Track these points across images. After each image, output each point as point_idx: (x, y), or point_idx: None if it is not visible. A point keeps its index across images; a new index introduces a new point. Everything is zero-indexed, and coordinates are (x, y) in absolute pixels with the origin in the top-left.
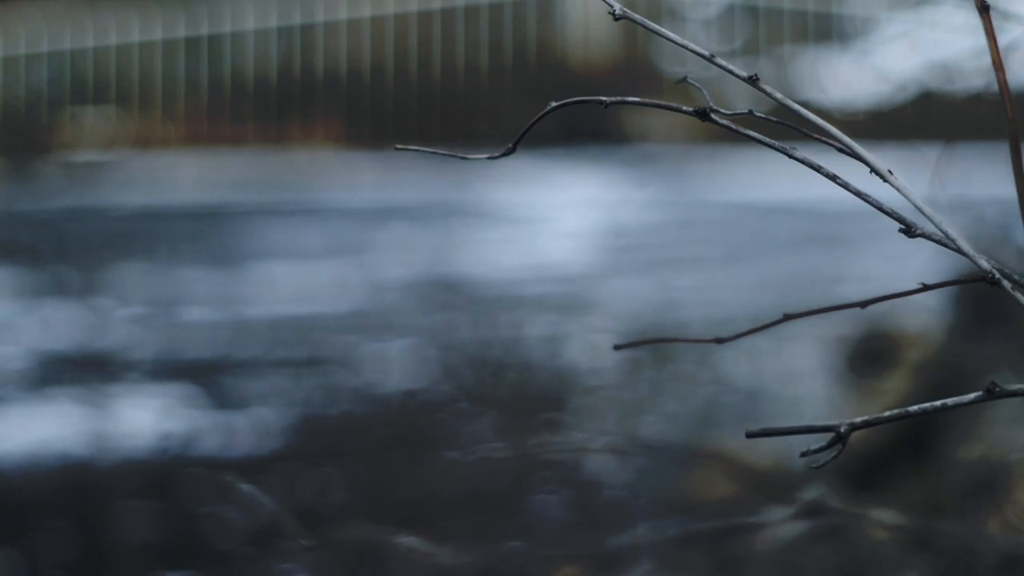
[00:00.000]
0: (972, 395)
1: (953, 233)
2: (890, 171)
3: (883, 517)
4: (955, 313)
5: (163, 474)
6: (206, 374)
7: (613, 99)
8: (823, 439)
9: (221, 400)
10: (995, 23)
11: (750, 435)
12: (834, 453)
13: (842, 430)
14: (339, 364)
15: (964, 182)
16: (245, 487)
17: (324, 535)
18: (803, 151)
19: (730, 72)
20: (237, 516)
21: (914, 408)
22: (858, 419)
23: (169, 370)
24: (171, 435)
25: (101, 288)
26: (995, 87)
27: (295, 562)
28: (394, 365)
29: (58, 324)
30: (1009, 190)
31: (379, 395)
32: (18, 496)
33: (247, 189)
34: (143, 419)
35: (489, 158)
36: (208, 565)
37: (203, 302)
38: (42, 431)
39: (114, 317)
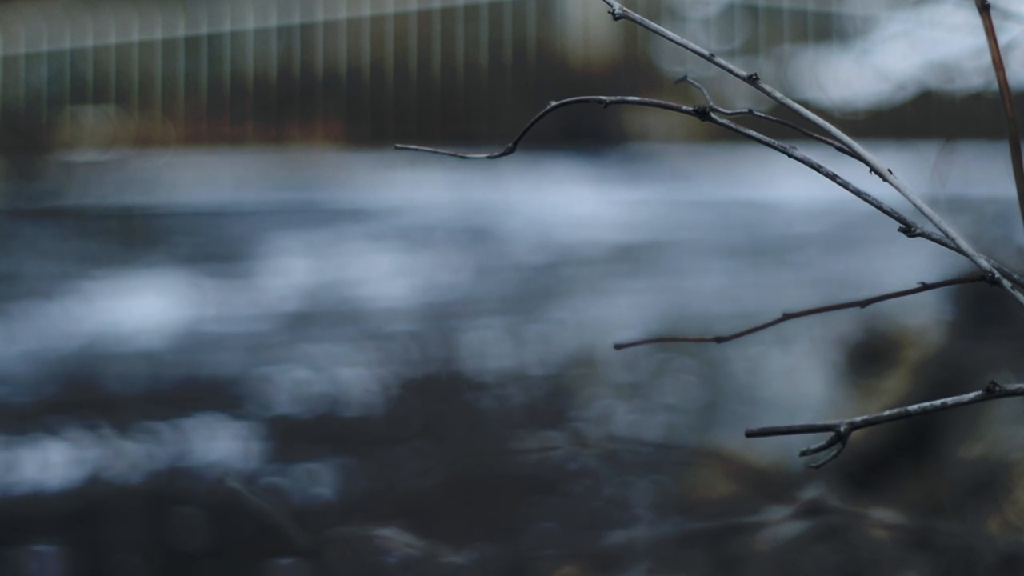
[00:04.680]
0: (972, 394)
1: (953, 232)
2: (890, 170)
3: (883, 517)
4: (955, 313)
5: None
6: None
7: (613, 99)
8: (823, 438)
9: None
10: (995, 22)
11: (750, 434)
12: (834, 452)
13: (842, 429)
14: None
15: (964, 181)
16: (243, 489)
17: (321, 534)
18: (803, 150)
19: (730, 71)
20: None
21: (914, 407)
22: (858, 418)
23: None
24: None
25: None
26: (995, 86)
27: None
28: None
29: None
30: (1009, 189)
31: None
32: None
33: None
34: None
35: (489, 157)
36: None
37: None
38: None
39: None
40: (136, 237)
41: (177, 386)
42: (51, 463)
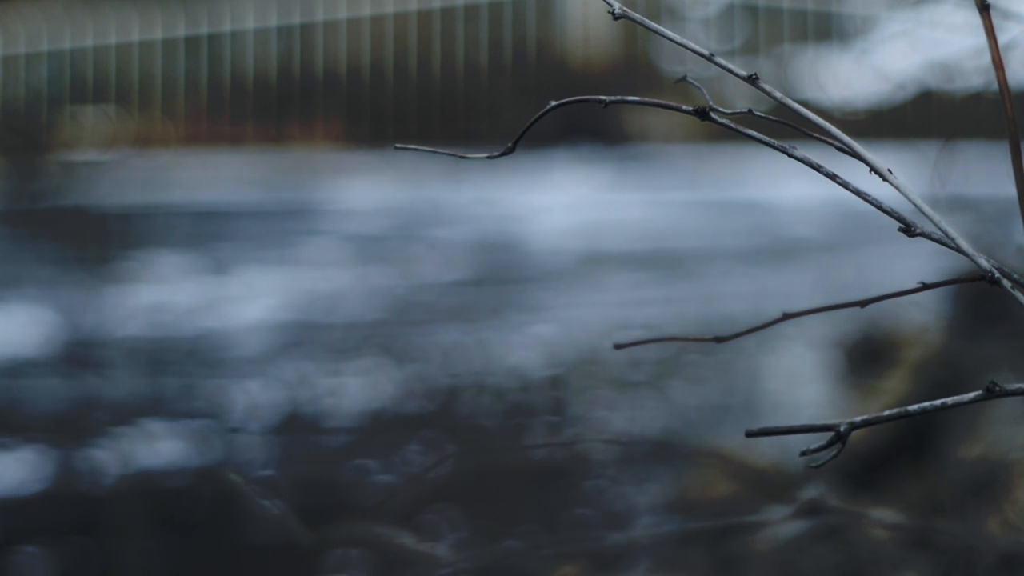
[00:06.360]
0: (972, 394)
1: (953, 232)
2: (890, 170)
3: (883, 517)
4: (955, 312)
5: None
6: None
7: (613, 98)
8: (823, 438)
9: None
10: (995, 22)
11: (750, 434)
12: (834, 452)
13: (842, 429)
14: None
15: (964, 181)
16: (251, 488)
17: (325, 534)
18: (803, 150)
19: (730, 71)
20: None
21: (914, 407)
22: (858, 418)
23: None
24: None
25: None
26: (995, 86)
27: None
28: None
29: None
30: (1009, 189)
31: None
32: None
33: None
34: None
35: (488, 157)
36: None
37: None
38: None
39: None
40: (84, 241)
41: None
42: None
